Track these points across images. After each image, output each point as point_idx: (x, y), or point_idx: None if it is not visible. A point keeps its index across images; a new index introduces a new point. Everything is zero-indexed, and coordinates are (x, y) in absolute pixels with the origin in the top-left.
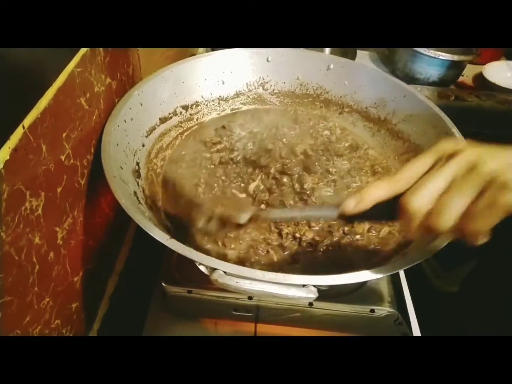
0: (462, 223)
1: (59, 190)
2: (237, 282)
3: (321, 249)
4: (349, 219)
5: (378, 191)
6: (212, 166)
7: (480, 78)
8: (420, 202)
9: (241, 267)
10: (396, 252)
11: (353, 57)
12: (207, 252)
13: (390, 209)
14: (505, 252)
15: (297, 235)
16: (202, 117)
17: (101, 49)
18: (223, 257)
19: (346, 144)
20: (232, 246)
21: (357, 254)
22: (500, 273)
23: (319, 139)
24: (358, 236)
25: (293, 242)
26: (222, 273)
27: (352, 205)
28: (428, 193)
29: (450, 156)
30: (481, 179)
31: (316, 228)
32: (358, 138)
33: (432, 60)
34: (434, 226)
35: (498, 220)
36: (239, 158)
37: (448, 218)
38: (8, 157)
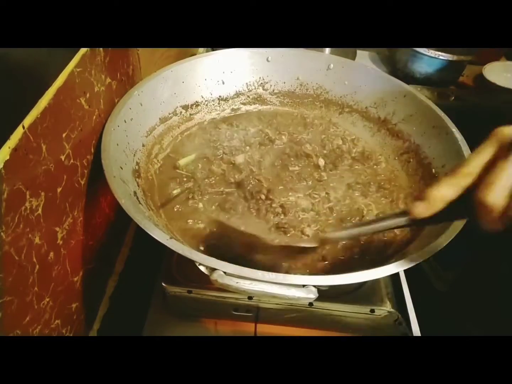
0: None
1: (59, 190)
2: (237, 283)
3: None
4: (420, 223)
5: (446, 191)
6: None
7: (480, 78)
8: (498, 196)
9: (241, 267)
10: (396, 252)
11: (353, 57)
12: None
13: (460, 207)
14: (505, 252)
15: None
16: (202, 117)
17: (101, 49)
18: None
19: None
20: None
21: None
22: (500, 273)
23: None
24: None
25: None
26: (222, 273)
27: (421, 210)
28: (504, 185)
29: None
30: None
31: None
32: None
33: (432, 60)
34: None
35: None
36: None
37: None
38: (8, 157)
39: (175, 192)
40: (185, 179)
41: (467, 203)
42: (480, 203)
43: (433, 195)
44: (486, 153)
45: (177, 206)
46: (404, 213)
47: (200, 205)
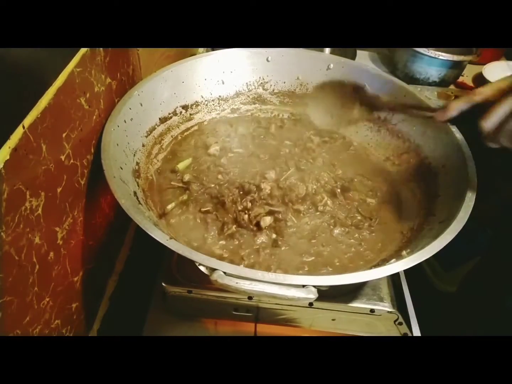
0: None
1: (59, 190)
2: (237, 283)
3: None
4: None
5: (460, 103)
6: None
7: (480, 78)
8: (489, 123)
9: (241, 267)
10: (396, 252)
11: (353, 57)
12: None
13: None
14: (505, 252)
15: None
16: (202, 117)
17: (101, 49)
18: None
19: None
20: None
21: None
22: (500, 273)
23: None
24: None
25: None
26: (222, 273)
27: (441, 114)
28: (496, 115)
29: None
30: None
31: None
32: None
33: (432, 60)
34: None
35: None
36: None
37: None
38: (8, 157)
39: (169, 207)
40: (178, 191)
41: (475, 115)
42: (478, 125)
43: (450, 104)
44: (504, 82)
45: (172, 220)
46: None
47: (193, 222)
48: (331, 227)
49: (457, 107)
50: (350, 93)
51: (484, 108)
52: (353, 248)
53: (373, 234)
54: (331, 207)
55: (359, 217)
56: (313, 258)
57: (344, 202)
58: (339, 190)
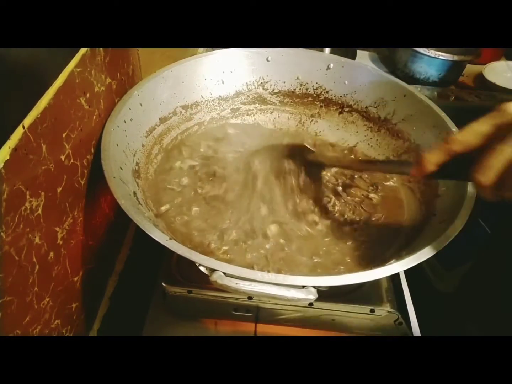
0: None
1: (59, 190)
2: (236, 284)
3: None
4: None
5: (436, 156)
6: None
7: (480, 78)
8: (488, 177)
9: (240, 268)
10: (396, 252)
11: (353, 57)
12: None
13: (455, 168)
14: (505, 252)
15: None
16: (202, 117)
17: (101, 49)
18: None
19: None
20: None
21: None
22: (500, 273)
23: None
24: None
25: None
26: (222, 274)
27: (416, 171)
28: (494, 167)
29: None
30: None
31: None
32: None
33: (432, 60)
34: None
35: None
36: None
37: None
38: (8, 157)
39: (163, 208)
40: (174, 193)
41: (462, 167)
42: (474, 181)
43: (425, 158)
44: (484, 125)
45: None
46: (408, 163)
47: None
48: (341, 226)
49: (433, 161)
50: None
51: (471, 157)
52: (363, 245)
53: (379, 228)
54: (339, 207)
55: (364, 214)
56: (322, 259)
57: (348, 199)
58: (340, 188)
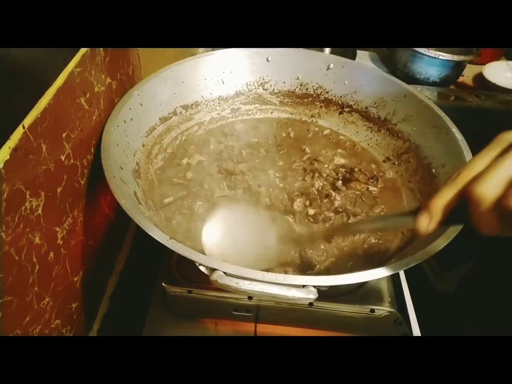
0: None
1: (59, 190)
2: (237, 283)
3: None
4: None
5: (447, 199)
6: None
7: (480, 78)
8: (486, 187)
9: (241, 267)
10: (396, 252)
11: (353, 57)
12: None
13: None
14: (505, 252)
15: None
16: (202, 117)
17: (101, 49)
18: None
19: None
20: None
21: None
22: (500, 273)
23: None
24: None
25: None
26: (222, 273)
27: (425, 225)
28: (496, 177)
29: None
30: None
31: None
32: None
33: (432, 60)
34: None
35: None
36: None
37: None
38: (8, 157)
39: (166, 200)
40: (177, 187)
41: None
42: (469, 196)
43: (435, 205)
44: (488, 157)
45: (167, 215)
46: (413, 212)
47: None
48: (345, 219)
49: (444, 206)
50: None
51: None
52: (371, 237)
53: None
54: (339, 201)
55: (366, 206)
56: (336, 254)
57: (348, 193)
58: (340, 182)
